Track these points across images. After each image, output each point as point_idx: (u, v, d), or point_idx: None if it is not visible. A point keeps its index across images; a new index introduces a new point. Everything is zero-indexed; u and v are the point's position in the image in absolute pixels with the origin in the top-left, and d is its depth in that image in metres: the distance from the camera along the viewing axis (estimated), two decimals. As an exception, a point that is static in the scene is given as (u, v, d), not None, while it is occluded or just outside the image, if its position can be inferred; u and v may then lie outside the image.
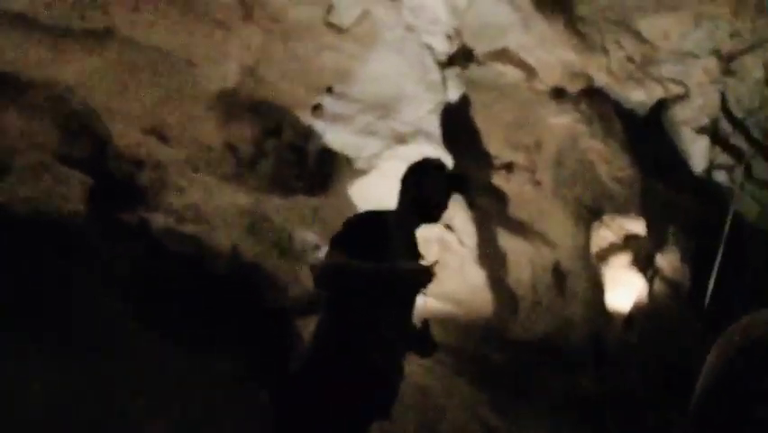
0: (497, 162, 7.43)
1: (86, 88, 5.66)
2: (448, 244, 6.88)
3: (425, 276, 2.19)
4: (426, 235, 7.44)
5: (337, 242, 2.24)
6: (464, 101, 7.39)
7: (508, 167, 7.40)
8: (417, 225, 2.44)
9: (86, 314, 4.47)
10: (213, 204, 6.23)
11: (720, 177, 7.21)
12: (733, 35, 6.90)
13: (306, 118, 7.07)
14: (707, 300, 6.61)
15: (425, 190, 2.38)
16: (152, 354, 4.57)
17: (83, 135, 5.60)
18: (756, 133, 6.83)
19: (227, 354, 4.80)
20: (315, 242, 6.32)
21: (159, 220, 5.74)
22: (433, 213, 2.41)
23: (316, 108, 7.17)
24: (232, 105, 6.74)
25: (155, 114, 6.14)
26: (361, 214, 2.36)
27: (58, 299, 4.34)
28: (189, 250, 5.71)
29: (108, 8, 5.84)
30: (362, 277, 2.14)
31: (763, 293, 5.38)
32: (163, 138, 6.13)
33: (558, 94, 7.18)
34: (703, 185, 7.28)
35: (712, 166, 7.23)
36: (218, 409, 4.35)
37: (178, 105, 6.28)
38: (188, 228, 5.83)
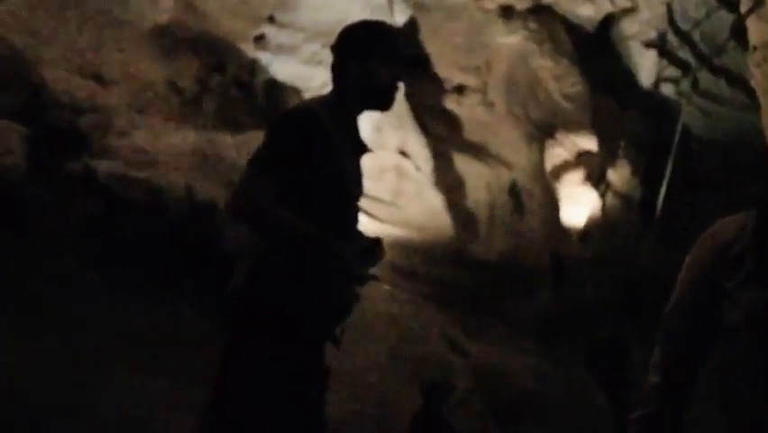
0: (447, 85, 7.36)
1: (10, 33, 5.30)
2: (404, 170, 6.87)
3: (370, 257, 1.76)
4: (382, 163, 7.39)
5: (258, 156, 1.80)
6: (412, 24, 7.23)
7: (459, 89, 7.34)
8: (360, 111, 1.98)
9: (40, 271, 4.33)
10: (160, 145, 6.03)
11: (668, 90, 7.30)
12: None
13: (250, 51, 6.81)
14: (657, 212, 6.83)
15: (373, 67, 1.89)
16: (115, 304, 4.50)
17: (13, 83, 5.27)
18: (702, 46, 6.90)
19: (194, 297, 4.76)
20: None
21: (105, 166, 5.53)
22: (383, 97, 1.94)
23: (259, 39, 6.91)
24: (170, 41, 6.43)
25: (88, 55, 5.81)
26: (286, 111, 1.97)
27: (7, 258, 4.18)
28: (141, 195, 5.55)
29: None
30: (276, 226, 1.76)
31: (710, 202, 5.58)
32: (101, 80, 5.83)
33: (506, 12, 7.07)
34: (651, 98, 7.38)
35: (659, 79, 7.31)
36: (189, 349, 4.33)
37: (112, 45, 5.95)
38: (138, 172, 5.65)
